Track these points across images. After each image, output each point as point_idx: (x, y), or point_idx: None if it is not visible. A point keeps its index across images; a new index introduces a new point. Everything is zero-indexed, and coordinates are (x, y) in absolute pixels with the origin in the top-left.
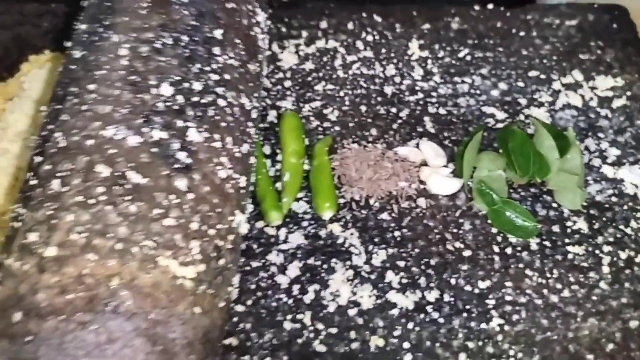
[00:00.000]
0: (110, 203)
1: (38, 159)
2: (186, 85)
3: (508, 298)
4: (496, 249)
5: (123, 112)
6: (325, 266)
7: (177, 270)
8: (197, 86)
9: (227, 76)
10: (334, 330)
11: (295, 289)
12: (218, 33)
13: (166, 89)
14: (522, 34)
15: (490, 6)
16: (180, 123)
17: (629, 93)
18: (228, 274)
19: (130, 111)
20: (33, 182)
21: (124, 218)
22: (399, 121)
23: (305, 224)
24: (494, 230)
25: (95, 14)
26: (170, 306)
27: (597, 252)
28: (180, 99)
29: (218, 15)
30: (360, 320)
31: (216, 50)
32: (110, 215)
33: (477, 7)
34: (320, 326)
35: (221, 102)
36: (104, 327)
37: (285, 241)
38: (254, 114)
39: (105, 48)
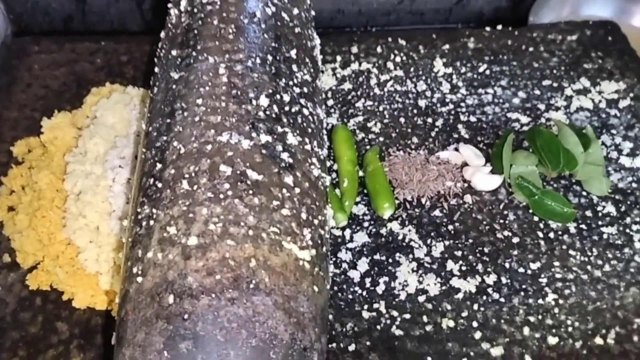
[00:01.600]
0: (237, 197)
1: (158, 166)
2: (278, 97)
3: (558, 276)
4: (540, 234)
5: (232, 120)
6: (390, 260)
7: (298, 253)
8: (286, 97)
9: (305, 89)
10: (407, 316)
11: (367, 281)
12: (293, 53)
13: (264, 100)
14: (531, 49)
15: (499, 27)
16: (279, 129)
17: (631, 94)
18: (328, 259)
19: (238, 120)
20: (158, 185)
21: (250, 209)
22: (436, 129)
23: (366, 224)
24: (536, 218)
25: (184, 41)
26: (297, 283)
27: (627, 230)
28: (275, 108)
29: (290, 38)
30: (429, 306)
31: (294, 67)
32: (239, 207)
33: (488, 28)
34: (394, 313)
35: (305, 112)
36: (250, 302)
37: (351, 240)
38: (324, 124)
39: (204, 68)
